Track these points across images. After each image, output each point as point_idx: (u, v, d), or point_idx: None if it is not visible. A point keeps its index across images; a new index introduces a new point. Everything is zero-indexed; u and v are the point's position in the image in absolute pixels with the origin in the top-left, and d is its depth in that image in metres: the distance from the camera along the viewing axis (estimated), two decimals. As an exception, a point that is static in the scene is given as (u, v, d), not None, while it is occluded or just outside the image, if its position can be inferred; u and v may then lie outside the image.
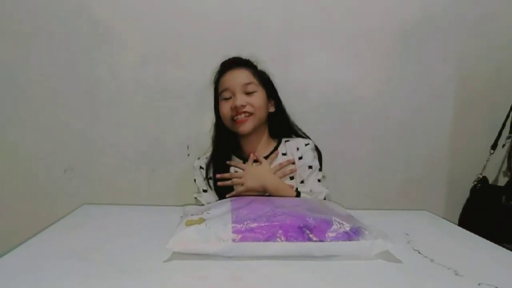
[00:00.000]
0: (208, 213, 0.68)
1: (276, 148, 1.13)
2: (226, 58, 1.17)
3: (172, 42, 1.42)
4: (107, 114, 1.44)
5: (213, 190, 1.11)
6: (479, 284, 0.54)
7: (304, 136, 1.18)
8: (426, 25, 1.49)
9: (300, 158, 1.11)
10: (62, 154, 1.45)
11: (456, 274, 0.57)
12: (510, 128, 1.49)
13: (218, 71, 1.15)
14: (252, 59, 1.16)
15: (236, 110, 1.05)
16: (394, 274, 0.58)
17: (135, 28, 1.41)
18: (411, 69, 1.51)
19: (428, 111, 1.54)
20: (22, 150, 1.43)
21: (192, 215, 0.69)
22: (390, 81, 1.51)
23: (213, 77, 1.16)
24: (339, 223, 0.64)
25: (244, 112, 1.05)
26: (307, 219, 0.65)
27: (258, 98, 1.08)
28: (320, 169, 1.12)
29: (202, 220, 0.64)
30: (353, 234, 0.63)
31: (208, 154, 1.16)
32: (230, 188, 1.06)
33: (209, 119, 1.43)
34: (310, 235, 0.62)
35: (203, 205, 0.98)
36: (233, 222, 0.63)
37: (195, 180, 1.14)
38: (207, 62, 1.43)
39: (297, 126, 1.19)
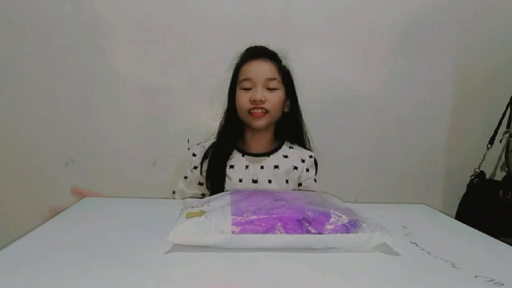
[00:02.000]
0: (209, 206, 0.69)
1: (278, 148, 1.13)
2: (253, 45, 1.13)
3: (171, 38, 1.43)
4: (108, 107, 1.45)
5: (203, 177, 1.10)
6: (476, 277, 0.54)
7: (309, 147, 1.18)
8: (424, 21, 1.49)
9: (307, 170, 1.13)
10: (64, 147, 1.46)
11: (453, 266, 0.58)
12: (508, 123, 1.50)
13: (242, 57, 1.11)
14: (278, 53, 1.13)
15: (254, 103, 1.02)
16: (392, 266, 0.58)
17: (134, 24, 1.42)
18: (410, 65, 1.51)
19: (427, 107, 1.55)
20: (23, 143, 1.44)
21: (192, 207, 0.69)
22: (389, 76, 1.52)
23: (229, 61, 1.13)
24: (338, 216, 0.65)
25: (261, 107, 1.03)
26: (306, 211, 0.65)
27: (277, 97, 1.05)
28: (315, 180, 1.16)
29: (202, 213, 0.65)
30: (351, 226, 0.64)
31: (208, 143, 1.14)
32: (221, 178, 1.06)
33: (208, 113, 1.44)
34: (309, 228, 0.62)
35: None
36: (232, 215, 0.63)
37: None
38: (206, 56, 1.44)
39: (306, 134, 1.17)
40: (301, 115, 1.16)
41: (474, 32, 1.52)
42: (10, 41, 1.40)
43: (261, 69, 1.04)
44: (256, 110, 1.03)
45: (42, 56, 1.41)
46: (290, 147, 1.15)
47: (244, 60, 1.08)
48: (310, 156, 1.15)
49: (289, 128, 1.16)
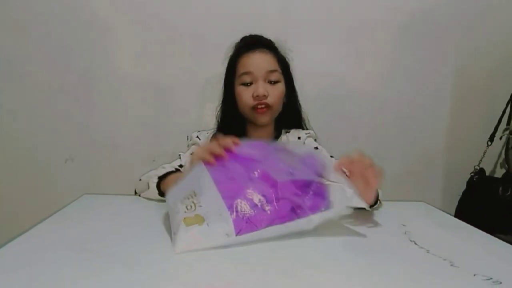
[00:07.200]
0: (201, 206, 0.66)
1: (277, 138, 1.11)
2: (248, 34, 1.09)
3: (170, 35, 1.43)
4: (108, 104, 1.45)
5: None
6: (474, 275, 0.54)
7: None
8: (425, 19, 1.49)
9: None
10: (63, 144, 1.46)
11: (451, 265, 0.58)
12: (508, 120, 1.49)
13: (239, 48, 1.06)
14: (274, 41, 1.09)
15: (258, 98, 0.99)
16: (390, 265, 0.58)
17: (134, 22, 1.41)
18: (410, 63, 1.51)
19: (427, 104, 1.55)
20: (23, 141, 1.44)
21: (181, 203, 0.66)
22: (389, 74, 1.51)
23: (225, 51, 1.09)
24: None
25: (264, 103, 1.00)
26: (296, 199, 0.67)
27: (279, 90, 1.03)
28: None
29: (200, 218, 0.64)
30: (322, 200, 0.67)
31: (210, 131, 1.11)
32: None
33: (208, 109, 1.43)
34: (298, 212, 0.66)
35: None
36: (232, 217, 0.63)
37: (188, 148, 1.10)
38: (205, 53, 1.43)
39: (305, 121, 1.14)
40: (299, 103, 1.13)
41: (474, 30, 1.52)
42: (9, 39, 1.39)
43: (261, 62, 1.01)
44: (260, 106, 1.00)
45: (42, 54, 1.40)
46: (287, 132, 1.12)
47: (242, 52, 1.04)
48: (307, 133, 1.11)
49: (288, 117, 1.12)
